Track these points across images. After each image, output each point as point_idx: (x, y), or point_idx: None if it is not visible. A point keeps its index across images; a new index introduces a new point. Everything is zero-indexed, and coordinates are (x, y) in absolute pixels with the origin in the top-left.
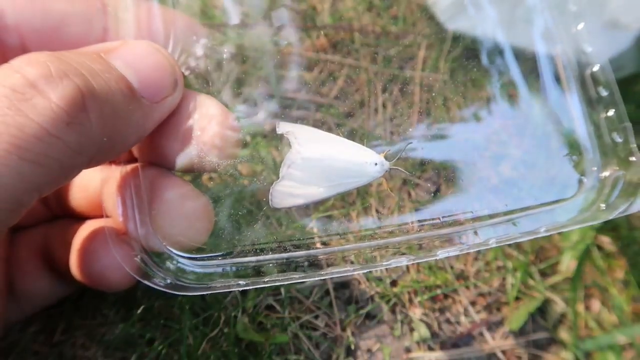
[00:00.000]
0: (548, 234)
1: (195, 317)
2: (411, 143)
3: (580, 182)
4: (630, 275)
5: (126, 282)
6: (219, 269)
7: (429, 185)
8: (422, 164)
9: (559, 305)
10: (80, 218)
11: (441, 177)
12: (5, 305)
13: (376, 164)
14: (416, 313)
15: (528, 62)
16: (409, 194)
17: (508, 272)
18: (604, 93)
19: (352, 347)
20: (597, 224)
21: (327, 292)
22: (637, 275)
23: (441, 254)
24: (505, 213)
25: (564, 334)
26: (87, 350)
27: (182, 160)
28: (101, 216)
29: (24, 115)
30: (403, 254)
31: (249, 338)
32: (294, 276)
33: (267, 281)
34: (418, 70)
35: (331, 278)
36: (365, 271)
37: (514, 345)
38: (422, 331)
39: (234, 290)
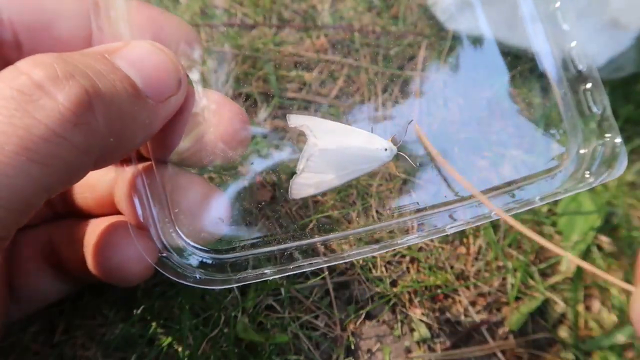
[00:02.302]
0: (543, 202)
1: (195, 317)
2: (412, 121)
3: (566, 154)
4: (630, 275)
5: (145, 274)
6: (244, 261)
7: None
8: (422, 165)
9: (559, 305)
10: (85, 217)
11: (442, 178)
12: (6, 304)
13: (386, 149)
14: (416, 313)
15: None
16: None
17: (508, 272)
18: (582, 68)
19: (352, 347)
20: (597, 225)
21: (327, 292)
22: None
23: (450, 228)
24: (501, 186)
25: (564, 334)
26: (87, 350)
27: (190, 156)
28: (111, 214)
29: (31, 116)
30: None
31: (249, 338)
32: (317, 260)
33: (292, 268)
34: (418, 70)
35: (352, 259)
36: (385, 251)
37: (514, 345)
38: (422, 331)
39: (262, 280)
